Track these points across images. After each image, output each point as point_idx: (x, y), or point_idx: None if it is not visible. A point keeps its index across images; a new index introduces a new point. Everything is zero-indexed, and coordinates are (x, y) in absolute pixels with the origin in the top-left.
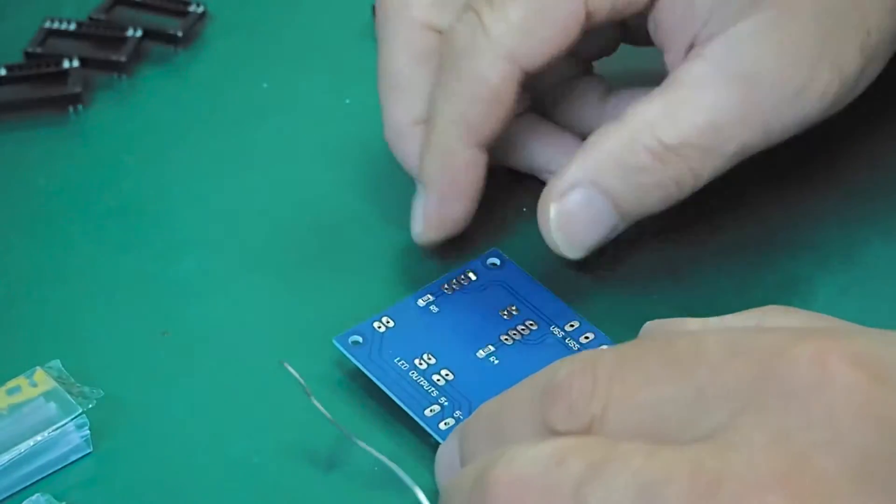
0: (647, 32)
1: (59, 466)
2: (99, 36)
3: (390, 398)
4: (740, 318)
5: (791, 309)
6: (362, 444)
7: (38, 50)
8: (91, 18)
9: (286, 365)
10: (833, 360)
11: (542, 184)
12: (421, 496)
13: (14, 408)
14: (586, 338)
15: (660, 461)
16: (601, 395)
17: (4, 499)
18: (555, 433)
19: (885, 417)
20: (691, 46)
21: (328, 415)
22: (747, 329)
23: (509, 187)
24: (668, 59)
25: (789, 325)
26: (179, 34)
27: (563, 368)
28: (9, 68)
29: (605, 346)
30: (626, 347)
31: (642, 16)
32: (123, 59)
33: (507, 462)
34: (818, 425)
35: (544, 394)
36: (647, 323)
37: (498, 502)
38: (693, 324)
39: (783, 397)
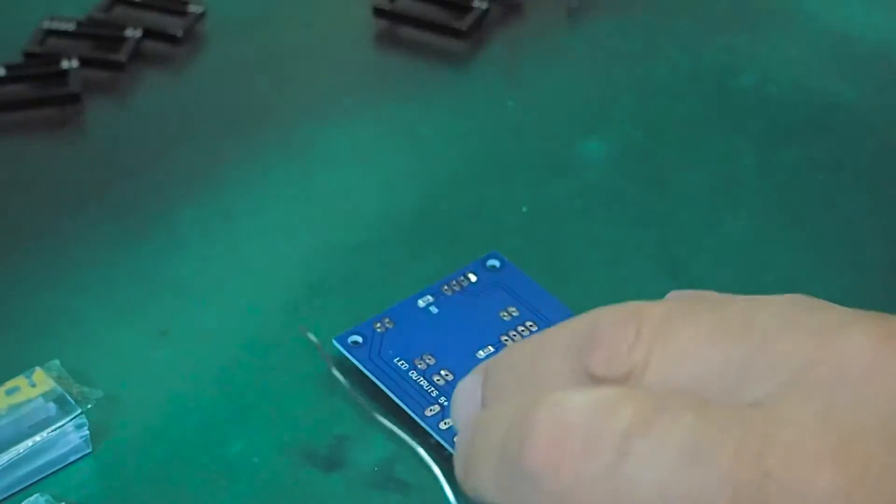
0: None
1: (59, 467)
2: (98, 35)
3: (390, 398)
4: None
5: (817, 301)
6: (383, 420)
7: (38, 49)
8: (90, 18)
9: (307, 333)
10: (889, 345)
11: (543, 185)
12: (446, 487)
13: (13, 408)
14: None
15: (710, 421)
16: (644, 345)
17: (3, 499)
18: (594, 380)
19: None
20: None
21: (347, 384)
22: (801, 306)
23: (509, 188)
24: None
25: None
26: (179, 34)
27: (606, 316)
28: (8, 68)
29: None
30: (673, 303)
31: None
32: (123, 58)
33: (550, 405)
34: (870, 411)
35: (585, 340)
36: (672, 292)
37: (539, 445)
38: (721, 296)
39: (835, 377)
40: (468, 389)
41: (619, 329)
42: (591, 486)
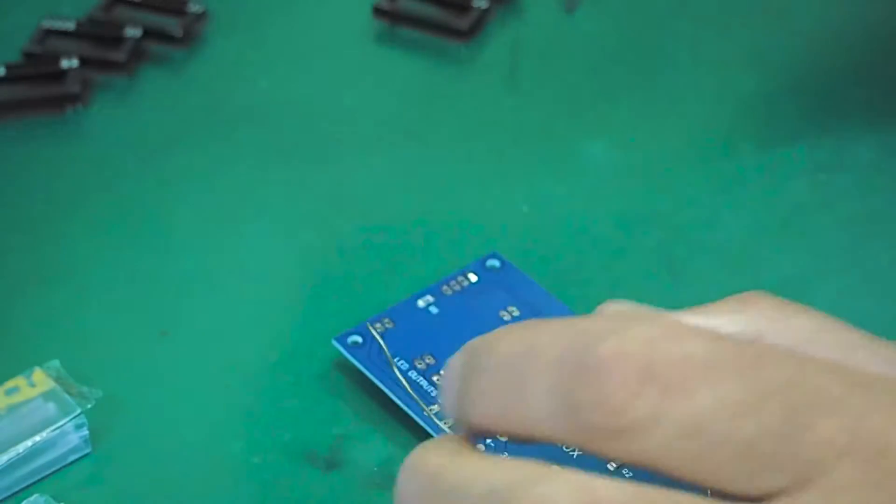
0: None
1: (58, 467)
2: (98, 35)
3: (390, 398)
4: (722, 308)
5: (781, 302)
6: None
7: (37, 49)
8: (90, 18)
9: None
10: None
11: (543, 185)
12: None
13: (13, 408)
14: None
15: None
16: (651, 399)
17: (3, 499)
18: (579, 422)
19: None
20: None
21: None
22: (843, 379)
23: (509, 188)
24: None
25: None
26: (179, 34)
27: (608, 341)
28: (7, 68)
29: (656, 319)
30: (691, 343)
31: None
32: (122, 58)
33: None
34: None
35: (578, 365)
36: (608, 302)
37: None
38: (670, 315)
39: (865, 481)
40: (456, 368)
41: (620, 368)
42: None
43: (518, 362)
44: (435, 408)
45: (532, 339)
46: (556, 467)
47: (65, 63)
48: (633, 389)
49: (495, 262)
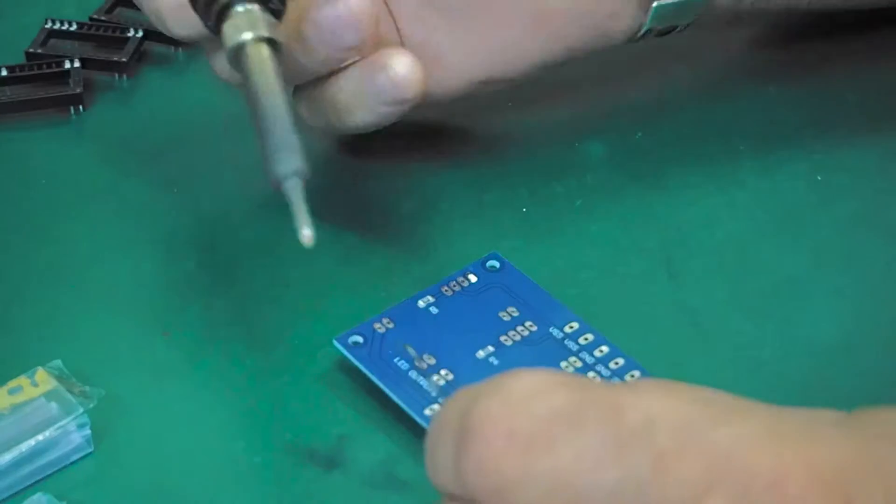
0: None
1: (61, 466)
2: (100, 36)
3: (390, 398)
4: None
5: (665, 384)
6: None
7: (40, 50)
8: (92, 19)
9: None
10: (792, 485)
11: (543, 185)
12: None
13: (16, 407)
14: (585, 339)
15: None
16: (517, 458)
17: (6, 498)
18: (465, 484)
19: None
20: None
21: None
22: (701, 414)
23: (509, 189)
24: None
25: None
26: None
27: (479, 405)
28: (10, 69)
29: (536, 375)
30: (558, 395)
31: None
32: (124, 59)
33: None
34: None
35: (460, 431)
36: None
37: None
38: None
39: None
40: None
41: (489, 427)
42: None
43: (434, 433)
44: (435, 407)
45: (443, 410)
46: None
47: (67, 64)
48: (500, 450)
49: (495, 263)
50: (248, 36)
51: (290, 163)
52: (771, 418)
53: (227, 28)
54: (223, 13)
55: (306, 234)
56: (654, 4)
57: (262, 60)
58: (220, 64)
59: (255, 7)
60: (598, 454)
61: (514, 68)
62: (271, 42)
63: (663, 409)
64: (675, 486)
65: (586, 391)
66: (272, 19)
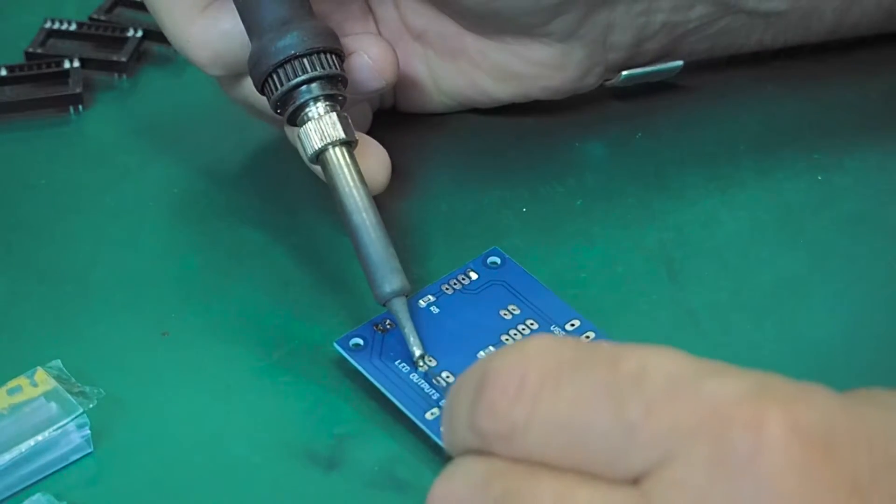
0: None
1: (60, 466)
2: (99, 36)
3: (391, 401)
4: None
5: (668, 348)
6: None
7: (39, 50)
8: (92, 19)
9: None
10: (770, 433)
11: (543, 185)
12: None
13: (15, 408)
14: (587, 336)
15: None
16: (526, 402)
17: (5, 498)
18: (477, 428)
19: None
20: None
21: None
22: (694, 368)
23: (509, 189)
24: None
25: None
26: None
27: (497, 359)
28: (10, 69)
29: (552, 336)
30: (567, 349)
31: None
32: (124, 59)
33: (446, 477)
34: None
35: (478, 382)
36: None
37: None
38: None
39: (713, 460)
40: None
41: (503, 378)
42: None
43: (454, 390)
44: (436, 411)
45: (464, 374)
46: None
47: (67, 64)
48: (512, 396)
49: (496, 259)
50: (327, 142)
51: (394, 283)
52: (764, 378)
53: (305, 133)
54: (297, 112)
55: (416, 353)
56: (623, 74)
57: (343, 166)
58: (239, 92)
59: (334, 114)
60: (594, 398)
61: (485, 103)
62: (348, 144)
63: (659, 361)
64: (663, 430)
65: (593, 347)
66: (345, 118)
